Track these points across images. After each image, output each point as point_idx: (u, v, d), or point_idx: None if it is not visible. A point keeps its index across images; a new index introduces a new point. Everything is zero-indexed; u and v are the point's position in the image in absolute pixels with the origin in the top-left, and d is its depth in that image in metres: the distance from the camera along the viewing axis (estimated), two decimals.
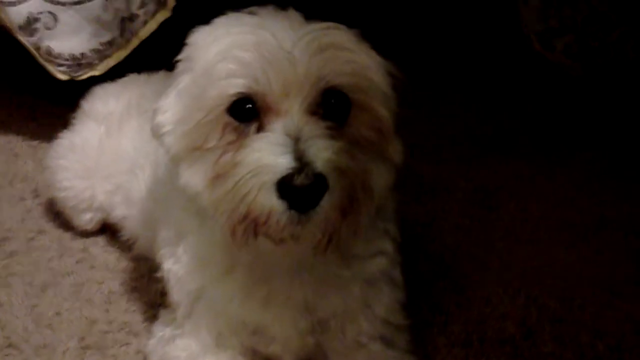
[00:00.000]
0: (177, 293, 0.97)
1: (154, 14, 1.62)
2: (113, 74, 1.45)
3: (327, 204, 0.76)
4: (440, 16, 2.17)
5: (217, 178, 0.80)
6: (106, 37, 1.60)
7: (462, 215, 1.41)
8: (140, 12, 1.60)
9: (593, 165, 1.59)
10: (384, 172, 0.85)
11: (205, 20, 0.89)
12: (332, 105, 0.81)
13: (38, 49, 1.58)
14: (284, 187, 0.75)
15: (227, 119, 0.80)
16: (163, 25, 1.62)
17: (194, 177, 0.83)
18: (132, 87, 1.33)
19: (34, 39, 1.57)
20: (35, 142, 1.63)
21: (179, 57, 0.88)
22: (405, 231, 0.98)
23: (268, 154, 0.76)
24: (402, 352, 0.98)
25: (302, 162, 0.75)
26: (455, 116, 1.83)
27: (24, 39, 1.57)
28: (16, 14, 1.55)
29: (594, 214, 1.41)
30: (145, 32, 1.63)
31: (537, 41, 1.77)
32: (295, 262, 0.89)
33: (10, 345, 1.04)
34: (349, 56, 0.81)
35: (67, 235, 1.31)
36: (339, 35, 0.82)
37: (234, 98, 0.80)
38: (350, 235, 0.84)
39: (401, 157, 0.87)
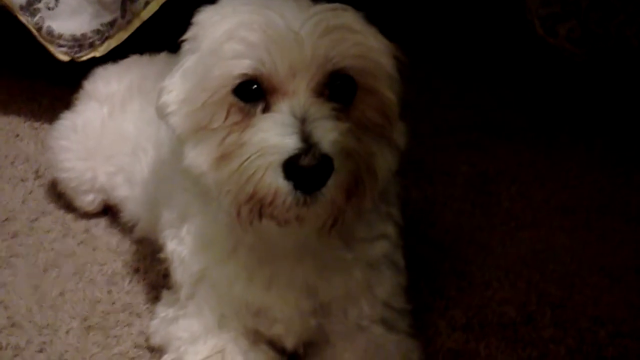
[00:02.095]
0: (181, 274, 0.97)
1: None
2: (115, 55, 1.44)
3: (332, 185, 0.76)
4: (445, 2, 2.16)
5: (223, 158, 0.80)
6: (107, 18, 1.59)
7: (463, 200, 1.41)
8: None
9: (594, 151, 1.59)
10: (388, 155, 0.85)
11: (206, 1, 0.89)
12: (338, 87, 0.80)
13: (39, 29, 1.57)
14: (291, 167, 0.75)
15: (233, 99, 0.80)
16: (165, 6, 1.61)
17: (198, 157, 0.83)
18: (134, 68, 1.33)
19: (35, 19, 1.56)
20: (36, 124, 1.63)
21: (185, 36, 0.87)
22: (405, 216, 0.99)
23: (275, 134, 0.76)
24: (403, 335, 0.98)
25: (308, 143, 0.75)
26: (456, 101, 1.82)
27: (25, 19, 1.56)
28: None
29: (594, 200, 1.41)
30: (146, 13, 1.62)
31: (540, 26, 1.76)
32: (298, 245, 0.89)
33: (13, 325, 1.05)
34: (356, 38, 0.80)
35: (69, 217, 1.31)
36: (346, 17, 0.81)
37: (240, 79, 0.79)
38: (354, 217, 0.84)
39: (405, 142, 0.87)
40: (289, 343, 0.96)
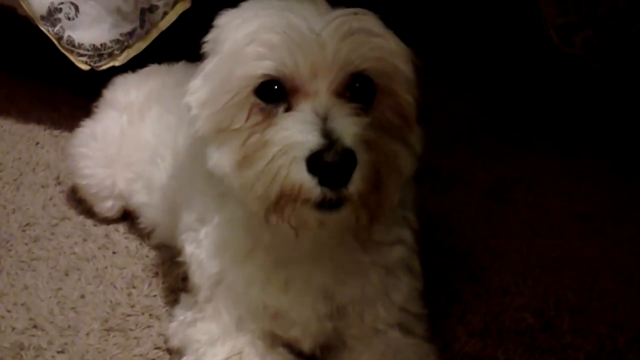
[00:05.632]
0: (199, 277, 0.98)
1: (173, 5, 1.63)
2: (133, 65, 1.46)
3: (358, 179, 0.77)
4: (459, 8, 2.17)
5: (246, 159, 0.81)
6: (126, 28, 1.61)
7: (479, 208, 1.41)
8: (160, 3, 1.61)
9: (611, 159, 1.59)
10: (407, 157, 0.85)
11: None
12: (358, 88, 0.81)
13: (60, 39, 1.59)
14: (315, 162, 0.75)
15: (255, 100, 0.81)
16: (183, 16, 1.63)
17: (222, 159, 0.83)
18: (153, 77, 1.35)
19: (55, 29, 1.58)
20: (57, 132, 1.65)
21: (206, 38, 0.88)
22: (422, 222, 0.99)
23: (297, 132, 0.77)
24: (420, 340, 0.98)
25: (330, 139, 0.76)
26: (473, 109, 1.83)
27: (45, 29, 1.59)
28: (38, 4, 1.57)
29: (611, 208, 1.41)
30: (165, 23, 1.64)
31: (556, 35, 1.76)
32: (315, 247, 0.89)
33: (35, 326, 1.06)
34: (376, 41, 0.81)
35: (89, 222, 1.33)
36: (367, 21, 0.82)
37: (262, 80, 0.80)
38: (381, 215, 0.85)
39: (422, 146, 0.87)
40: (306, 346, 0.97)
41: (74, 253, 1.24)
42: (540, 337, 1.07)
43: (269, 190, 0.78)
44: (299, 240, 0.88)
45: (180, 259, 1.03)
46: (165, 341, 1.03)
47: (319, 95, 0.79)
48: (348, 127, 0.77)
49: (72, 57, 1.61)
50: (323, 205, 0.77)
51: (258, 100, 0.81)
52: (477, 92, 1.91)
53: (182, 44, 1.20)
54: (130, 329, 1.06)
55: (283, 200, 0.79)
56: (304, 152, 0.76)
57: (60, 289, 1.14)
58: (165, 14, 1.63)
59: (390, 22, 0.86)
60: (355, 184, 0.77)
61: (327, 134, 0.76)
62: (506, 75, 1.97)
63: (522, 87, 1.92)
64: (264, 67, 0.80)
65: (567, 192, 1.46)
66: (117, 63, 1.61)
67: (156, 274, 1.18)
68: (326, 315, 0.93)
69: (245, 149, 0.81)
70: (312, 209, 0.78)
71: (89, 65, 1.61)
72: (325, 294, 0.92)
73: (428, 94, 0.88)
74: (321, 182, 0.76)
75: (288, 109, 0.81)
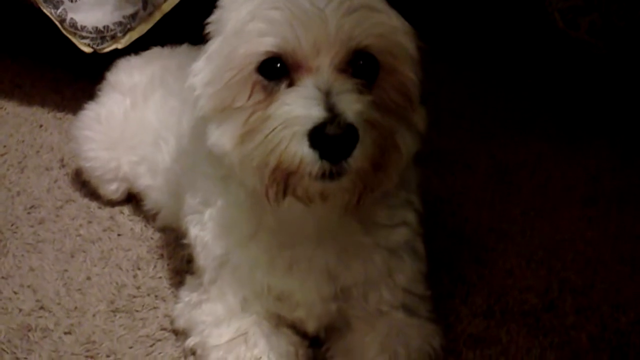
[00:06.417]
0: (203, 259, 0.99)
1: None
2: (136, 47, 1.46)
3: (358, 155, 0.76)
4: None
5: (247, 135, 0.81)
6: (129, 10, 1.60)
7: (483, 190, 1.41)
8: None
9: (615, 142, 1.58)
10: (409, 137, 0.85)
11: None
12: (360, 66, 0.81)
13: (62, 21, 1.59)
14: (316, 136, 0.75)
15: (257, 77, 0.81)
16: None
17: (222, 137, 0.83)
18: (156, 60, 1.34)
19: (58, 11, 1.58)
20: (60, 114, 1.64)
21: (209, 19, 0.88)
22: (426, 205, 0.99)
23: (299, 106, 0.77)
24: (424, 321, 0.99)
25: (333, 113, 0.76)
26: (478, 93, 1.82)
27: (48, 11, 1.58)
28: None
29: (615, 191, 1.41)
30: (167, 5, 1.63)
31: (561, 19, 1.75)
32: (318, 228, 0.90)
33: (42, 308, 1.07)
34: (379, 18, 0.81)
35: (94, 204, 1.33)
36: None
37: (264, 57, 0.80)
38: (379, 193, 0.85)
39: (425, 126, 0.87)
40: (311, 327, 0.98)
41: (79, 235, 1.24)
42: (544, 318, 1.08)
43: (267, 160, 0.78)
44: (303, 222, 0.89)
45: (185, 241, 1.04)
46: (171, 322, 1.04)
47: (321, 70, 0.79)
48: (351, 104, 0.77)
49: (74, 40, 1.60)
50: (324, 176, 0.77)
51: (260, 78, 0.81)
52: (480, 76, 1.90)
53: (185, 27, 1.19)
54: (136, 310, 1.07)
55: (280, 173, 0.78)
56: (306, 125, 0.75)
57: (66, 270, 1.15)
58: None
59: (395, 3, 0.86)
60: (356, 161, 0.77)
61: (330, 108, 0.76)
62: (510, 59, 1.96)
63: (526, 70, 1.92)
64: (266, 43, 0.79)
65: (571, 176, 1.46)
66: (119, 46, 1.60)
67: (161, 256, 1.19)
68: (330, 296, 0.94)
69: (247, 125, 0.81)
70: (312, 180, 0.78)
71: (92, 48, 1.60)
72: (329, 275, 0.93)
73: (431, 77, 0.88)
74: (322, 156, 0.76)
75: (290, 85, 0.80)
